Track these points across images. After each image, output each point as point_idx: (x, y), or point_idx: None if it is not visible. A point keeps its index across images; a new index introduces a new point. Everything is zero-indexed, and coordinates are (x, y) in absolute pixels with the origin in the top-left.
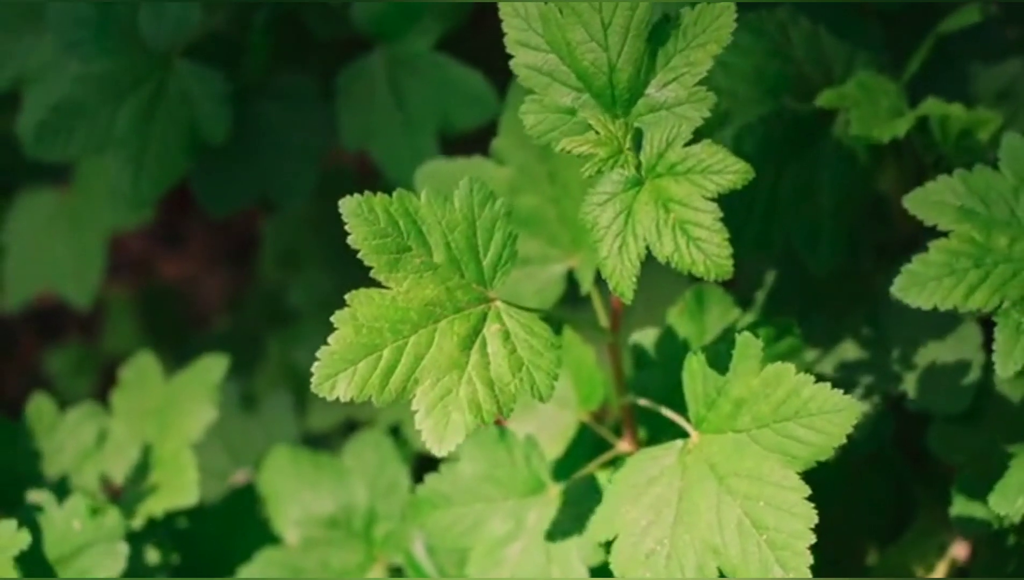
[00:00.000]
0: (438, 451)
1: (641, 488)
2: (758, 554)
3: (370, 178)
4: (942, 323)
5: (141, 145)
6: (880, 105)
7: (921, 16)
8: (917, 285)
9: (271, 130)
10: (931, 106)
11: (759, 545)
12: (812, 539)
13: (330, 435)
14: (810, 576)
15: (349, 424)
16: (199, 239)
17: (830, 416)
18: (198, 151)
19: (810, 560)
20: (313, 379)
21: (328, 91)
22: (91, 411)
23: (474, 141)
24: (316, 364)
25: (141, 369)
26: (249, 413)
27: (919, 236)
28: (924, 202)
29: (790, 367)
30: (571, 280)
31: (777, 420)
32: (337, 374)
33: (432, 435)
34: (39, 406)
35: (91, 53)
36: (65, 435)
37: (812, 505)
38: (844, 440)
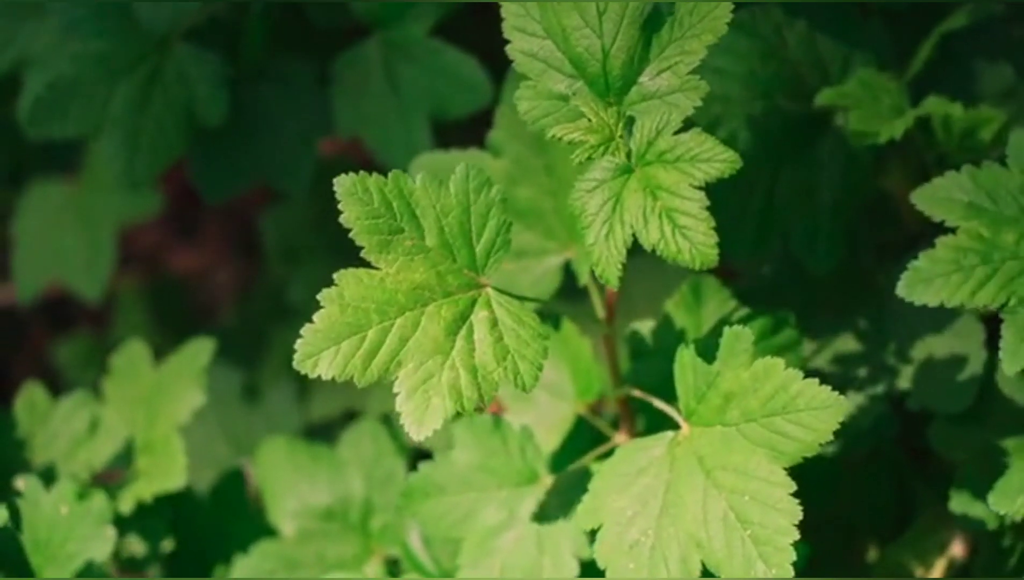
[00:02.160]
0: (416, 435)
1: (629, 478)
2: (742, 549)
3: (372, 170)
4: (944, 321)
5: (136, 126)
6: (881, 104)
7: (926, 14)
8: (923, 282)
9: (269, 115)
10: (932, 105)
11: (743, 540)
12: (796, 535)
13: (332, 424)
14: (792, 573)
15: (351, 413)
16: (211, 231)
17: (817, 412)
18: (194, 134)
19: (793, 556)
20: (296, 356)
21: (326, 77)
22: (84, 399)
23: (468, 129)
24: (299, 341)
25: (131, 356)
26: (252, 404)
27: (923, 235)
28: (932, 198)
29: (779, 362)
30: (568, 272)
31: (765, 415)
32: (320, 352)
33: (411, 419)
34: (32, 395)
35: (89, 33)
36: (59, 423)
37: (797, 501)
38: (831, 437)
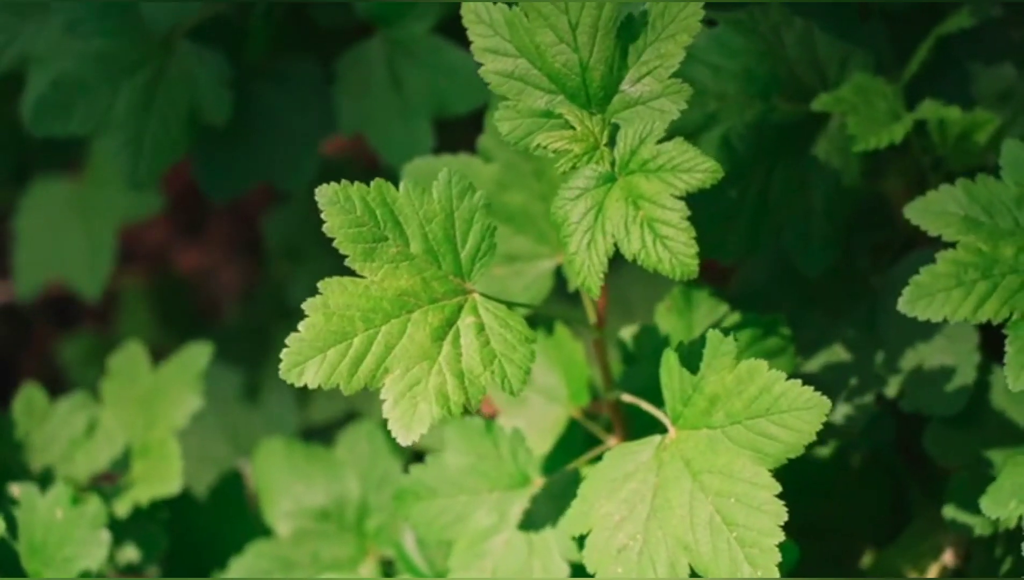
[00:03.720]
0: (404, 441)
1: (617, 483)
2: (728, 551)
3: (375, 169)
4: (938, 325)
5: (140, 126)
6: (877, 108)
7: (928, 16)
8: (926, 297)
9: (272, 114)
10: (928, 109)
11: (729, 542)
12: (781, 537)
13: (332, 426)
14: (777, 573)
15: (350, 415)
16: (216, 230)
17: (800, 413)
18: (198, 133)
19: (778, 558)
20: (281, 366)
21: (330, 76)
22: (82, 401)
23: (470, 126)
24: (285, 350)
25: (130, 358)
26: (252, 404)
27: (918, 238)
28: (925, 212)
29: (763, 364)
30: (562, 276)
31: (749, 417)
32: (306, 361)
33: (398, 424)
34: (30, 396)
35: (92, 32)
36: (56, 425)
37: (782, 503)
38: (814, 438)
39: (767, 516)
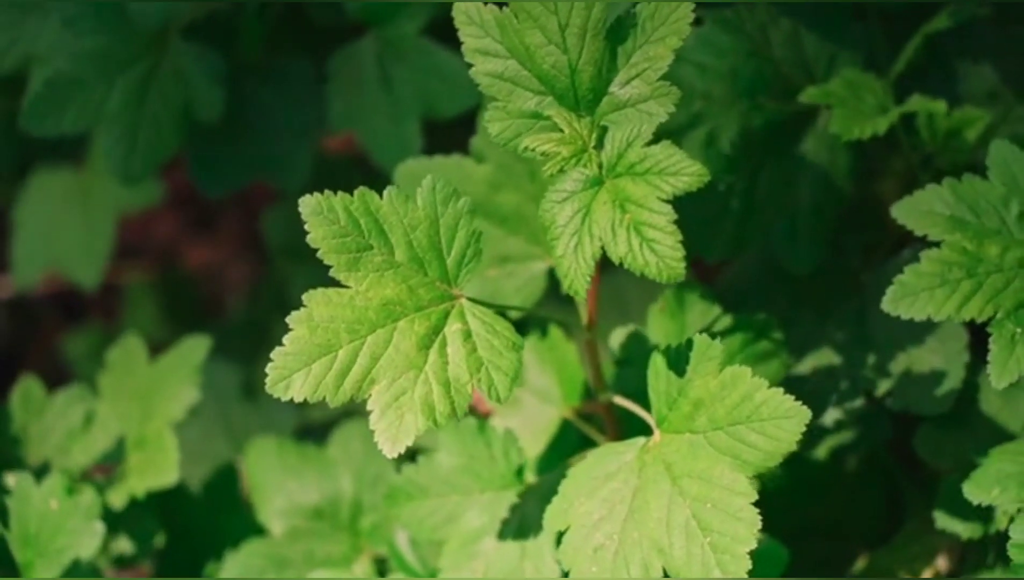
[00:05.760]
0: (390, 453)
1: (599, 482)
2: (701, 556)
3: (372, 167)
4: (928, 324)
5: (133, 123)
6: (865, 102)
7: (923, 16)
8: (909, 296)
9: (267, 112)
10: (916, 103)
11: (703, 547)
12: (754, 544)
13: (330, 424)
14: None
15: (349, 414)
16: (226, 226)
17: (781, 422)
18: (191, 130)
19: (749, 565)
20: (267, 380)
21: (324, 75)
22: (79, 394)
23: (463, 126)
24: (270, 365)
25: (127, 352)
26: (251, 401)
27: (910, 237)
28: (913, 211)
29: (747, 370)
30: (554, 278)
31: (731, 423)
32: (291, 374)
33: (384, 436)
34: (27, 389)
35: (87, 30)
36: (54, 418)
37: (758, 511)
38: (794, 447)
39: (742, 523)
